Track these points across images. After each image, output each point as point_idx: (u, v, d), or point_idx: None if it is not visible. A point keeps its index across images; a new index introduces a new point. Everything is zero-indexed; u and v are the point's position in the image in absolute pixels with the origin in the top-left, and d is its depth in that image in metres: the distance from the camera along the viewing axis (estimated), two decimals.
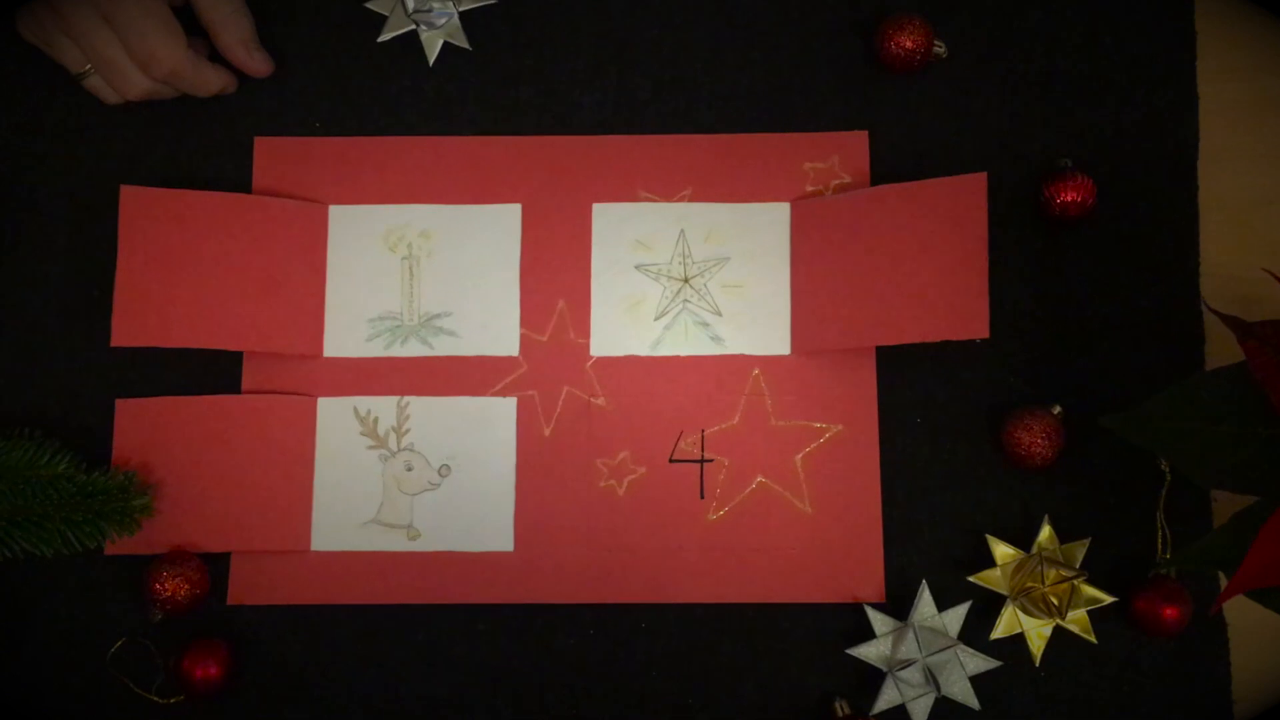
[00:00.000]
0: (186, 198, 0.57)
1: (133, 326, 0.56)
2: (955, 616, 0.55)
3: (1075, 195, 0.57)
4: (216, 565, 0.56)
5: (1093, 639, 0.55)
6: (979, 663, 0.54)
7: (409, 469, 0.57)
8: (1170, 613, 0.54)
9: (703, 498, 0.57)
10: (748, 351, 0.58)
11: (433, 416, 0.57)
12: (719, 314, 0.58)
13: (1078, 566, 0.55)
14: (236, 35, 0.56)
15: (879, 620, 0.55)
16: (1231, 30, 0.60)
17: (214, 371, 0.58)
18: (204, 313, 0.57)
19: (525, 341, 0.58)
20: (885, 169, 0.59)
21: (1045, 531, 0.56)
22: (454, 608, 0.56)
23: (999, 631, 0.55)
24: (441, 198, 0.58)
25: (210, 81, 0.57)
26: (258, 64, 0.57)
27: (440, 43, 0.60)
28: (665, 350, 0.58)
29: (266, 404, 0.57)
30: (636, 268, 0.58)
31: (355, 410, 0.57)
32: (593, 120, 0.59)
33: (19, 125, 0.60)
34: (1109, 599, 0.55)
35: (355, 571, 0.56)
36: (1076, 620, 0.55)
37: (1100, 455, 0.56)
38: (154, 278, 0.56)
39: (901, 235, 0.56)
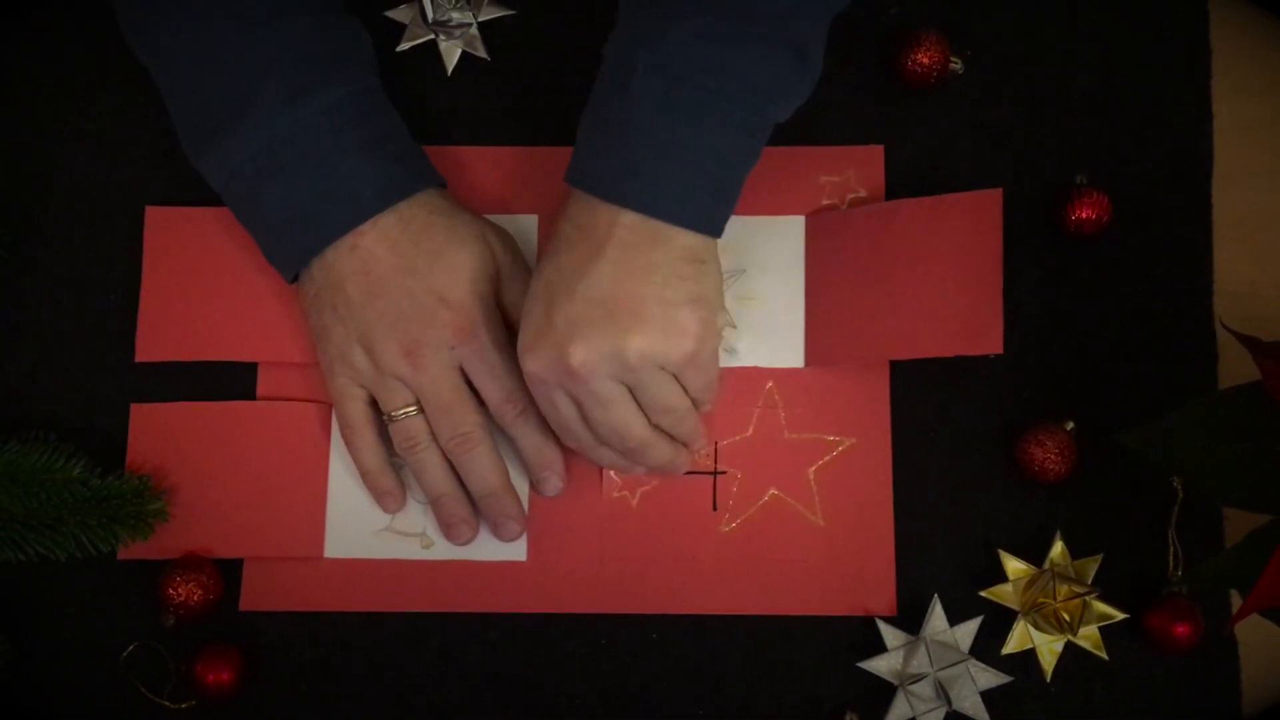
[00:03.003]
0: (208, 215, 0.58)
1: (156, 342, 0.57)
2: (967, 631, 0.55)
3: (1090, 212, 0.57)
4: (229, 571, 0.56)
5: (1104, 655, 0.54)
6: (990, 678, 0.54)
7: None
8: (1182, 630, 0.54)
9: (715, 509, 0.57)
10: (761, 364, 0.58)
11: None
12: (733, 326, 0.58)
13: (1089, 583, 0.55)
14: None
15: (890, 634, 0.55)
16: (1247, 48, 0.60)
17: (229, 377, 0.58)
18: (224, 326, 0.57)
19: None
20: (900, 184, 0.59)
21: (1057, 547, 0.56)
22: (466, 616, 0.56)
23: (1010, 646, 0.55)
24: None
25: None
26: None
27: (459, 52, 0.60)
28: None
29: (282, 410, 0.57)
30: None
31: None
32: None
33: (42, 133, 0.60)
34: (1120, 615, 0.55)
35: (368, 579, 0.56)
36: (1088, 636, 0.55)
37: (1113, 471, 0.56)
38: (176, 294, 0.57)
39: (916, 250, 0.56)
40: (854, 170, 0.59)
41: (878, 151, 0.59)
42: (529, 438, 0.55)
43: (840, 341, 0.57)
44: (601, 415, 0.51)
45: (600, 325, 0.49)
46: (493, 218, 0.57)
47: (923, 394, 0.57)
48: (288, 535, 0.56)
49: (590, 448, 0.53)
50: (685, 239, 0.50)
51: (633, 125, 0.49)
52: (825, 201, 0.59)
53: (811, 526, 0.57)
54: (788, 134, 0.58)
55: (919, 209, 0.57)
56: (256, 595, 0.56)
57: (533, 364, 0.51)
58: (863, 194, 0.59)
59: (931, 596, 0.55)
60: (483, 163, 0.59)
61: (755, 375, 0.58)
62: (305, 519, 0.56)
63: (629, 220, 0.49)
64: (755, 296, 0.58)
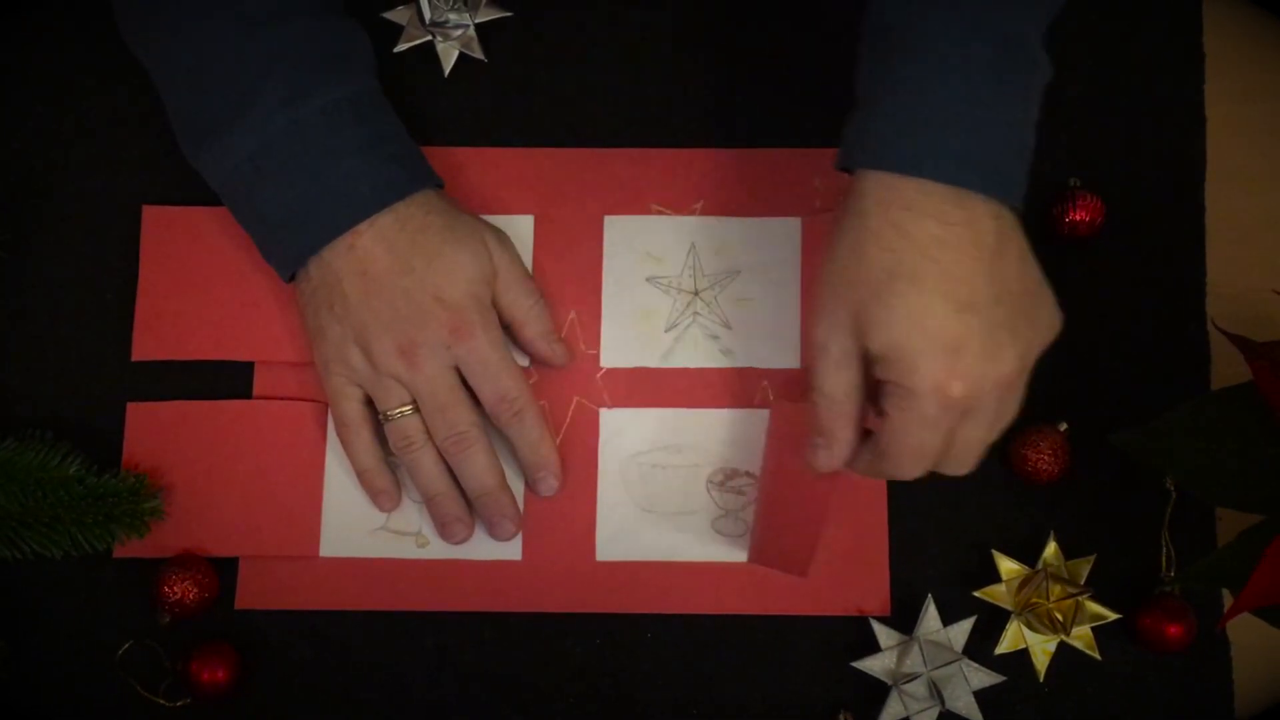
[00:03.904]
0: (205, 214, 0.58)
1: (153, 341, 0.57)
2: (960, 631, 0.55)
3: (1084, 214, 0.57)
4: (225, 569, 0.56)
5: (1097, 655, 0.54)
6: (983, 677, 0.54)
7: None
8: (1174, 630, 0.54)
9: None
10: (757, 364, 0.57)
11: None
12: (729, 327, 0.58)
13: (1083, 583, 0.55)
14: (538, 329, 0.55)
15: (884, 634, 0.55)
16: (1240, 51, 0.60)
17: (226, 376, 0.58)
18: (221, 325, 0.57)
19: None
20: None
21: (1051, 548, 0.56)
22: (461, 615, 0.56)
23: (1004, 646, 0.55)
24: None
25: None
26: (558, 356, 0.56)
27: (456, 53, 0.60)
28: (675, 362, 0.58)
29: (278, 409, 0.57)
30: (647, 280, 0.58)
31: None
32: (606, 133, 0.59)
33: (38, 132, 0.60)
34: (1113, 616, 0.55)
35: (363, 578, 0.56)
36: (1081, 636, 0.55)
37: (1106, 472, 0.56)
38: (173, 293, 0.57)
39: None
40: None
41: None
42: (525, 437, 0.55)
43: None
44: (988, 429, 0.47)
45: (1032, 322, 0.47)
46: (489, 218, 0.57)
47: None
48: (283, 534, 0.56)
49: (927, 467, 0.49)
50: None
51: (985, 107, 0.46)
52: (820, 204, 0.59)
53: None
54: (783, 136, 0.59)
55: None
56: (252, 594, 0.56)
57: (965, 387, 0.45)
58: None
59: (925, 596, 0.55)
60: (479, 164, 0.59)
61: (751, 376, 0.58)
62: (301, 518, 0.56)
63: (1003, 210, 0.47)
64: (751, 298, 0.58)
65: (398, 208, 0.53)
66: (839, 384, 0.48)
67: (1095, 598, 0.54)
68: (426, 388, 0.54)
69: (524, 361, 0.58)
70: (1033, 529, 0.56)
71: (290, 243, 0.54)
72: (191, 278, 0.58)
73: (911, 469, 0.48)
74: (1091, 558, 0.56)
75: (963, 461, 0.48)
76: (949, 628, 0.55)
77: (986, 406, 0.47)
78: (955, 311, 0.45)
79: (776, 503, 0.53)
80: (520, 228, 0.58)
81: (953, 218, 0.45)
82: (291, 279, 0.55)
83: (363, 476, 0.56)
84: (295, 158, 0.52)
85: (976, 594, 0.55)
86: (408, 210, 0.53)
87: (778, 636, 0.56)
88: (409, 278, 0.53)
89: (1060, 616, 0.54)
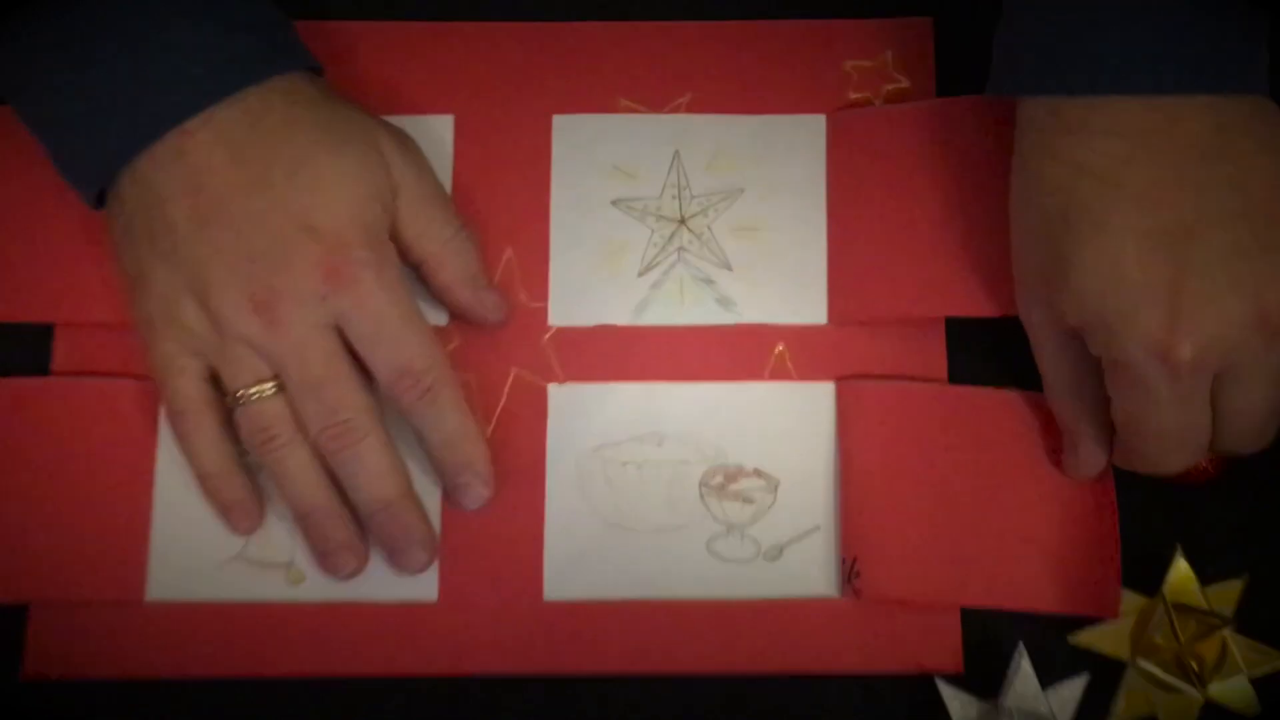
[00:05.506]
0: None
1: None
2: (1067, 696, 0.44)
3: None
4: (8, 622, 0.47)
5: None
6: None
7: None
8: None
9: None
10: (768, 320, 0.50)
11: None
12: (728, 268, 0.50)
13: (1230, 616, 0.45)
14: (458, 272, 0.48)
15: (957, 700, 0.45)
16: None
17: (14, 344, 0.49)
18: (6, 273, 0.49)
19: None
20: (956, 71, 0.51)
21: (1178, 568, 0.46)
22: (353, 683, 0.47)
23: (1120, 713, 0.44)
24: None
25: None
26: (489, 309, 0.48)
27: None
28: (653, 318, 0.50)
29: (86, 390, 0.48)
30: (614, 203, 0.51)
31: None
32: (557, 1, 0.52)
33: None
34: (1276, 663, 0.45)
35: (211, 631, 0.47)
36: (1232, 691, 0.45)
37: (1259, 463, 0.46)
38: None
39: (977, 164, 0.48)
40: (893, 52, 0.51)
41: (925, 26, 0.51)
42: (438, 426, 0.46)
43: (876, 291, 0.49)
44: (1267, 385, 0.42)
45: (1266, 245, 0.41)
46: (391, 120, 0.49)
47: (991, 362, 0.49)
48: (93, 569, 0.47)
49: (1195, 451, 0.44)
50: None
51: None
52: (854, 95, 0.51)
53: None
54: (802, 3, 0.52)
55: (980, 108, 0.49)
56: (46, 657, 0.47)
57: (1195, 343, 0.40)
58: (905, 85, 0.51)
59: (1014, 645, 0.44)
60: (378, 42, 0.51)
61: (761, 335, 0.49)
62: (119, 545, 0.47)
63: (1225, 99, 0.41)
64: (760, 227, 0.50)
65: (248, 96, 0.44)
66: (1056, 373, 0.45)
67: (1246, 633, 0.45)
68: (293, 357, 0.45)
69: (439, 319, 0.49)
70: (1154, 542, 0.46)
71: (93, 148, 0.45)
72: None
73: (1171, 460, 0.43)
74: (1241, 581, 0.46)
75: (1247, 434, 0.43)
76: (1049, 690, 0.44)
77: (1248, 360, 0.40)
78: (1160, 245, 0.39)
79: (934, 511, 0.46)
80: (435, 131, 0.51)
81: (1143, 124, 0.40)
82: (101, 203, 0.46)
83: (207, 484, 0.47)
84: (100, 25, 0.44)
85: (1073, 640, 0.45)
86: (264, 100, 0.44)
87: (806, 705, 0.46)
88: (264, 196, 0.44)
89: (1195, 665, 0.44)
